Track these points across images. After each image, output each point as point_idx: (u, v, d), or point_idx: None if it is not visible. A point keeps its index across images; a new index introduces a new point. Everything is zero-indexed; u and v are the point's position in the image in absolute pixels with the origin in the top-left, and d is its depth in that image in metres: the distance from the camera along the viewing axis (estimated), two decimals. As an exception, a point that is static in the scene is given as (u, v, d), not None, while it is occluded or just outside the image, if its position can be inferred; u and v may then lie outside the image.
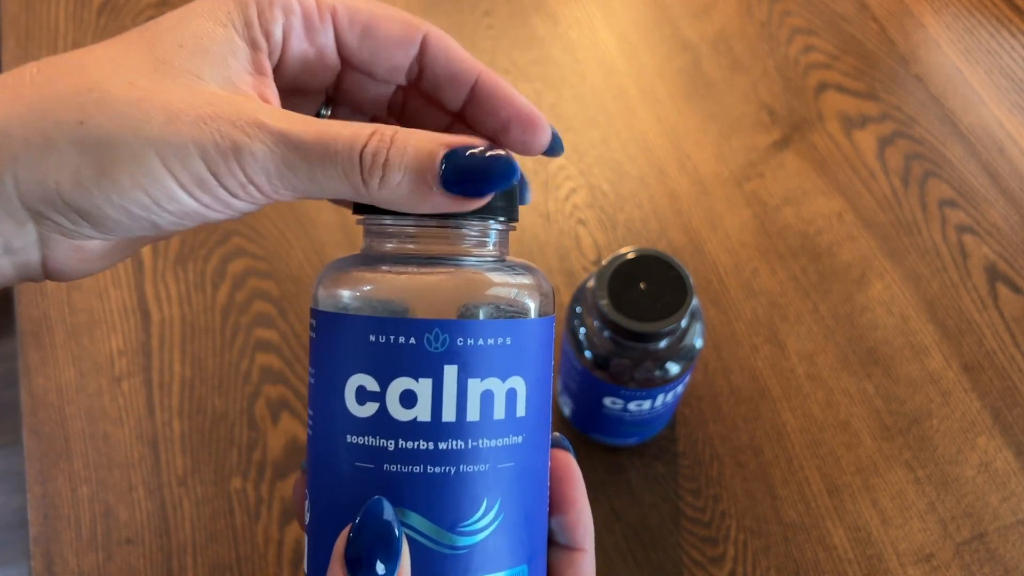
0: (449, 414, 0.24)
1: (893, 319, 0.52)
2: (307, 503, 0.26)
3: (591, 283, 0.41)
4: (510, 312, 0.25)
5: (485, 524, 0.24)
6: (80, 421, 0.49)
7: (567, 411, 0.48)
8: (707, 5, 0.66)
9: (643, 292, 0.39)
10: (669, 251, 0.55)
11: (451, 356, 0.24)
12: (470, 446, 0.24)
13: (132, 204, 0.22)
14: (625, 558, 0.45)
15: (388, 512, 0.23)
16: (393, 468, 0.24)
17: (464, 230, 0.26)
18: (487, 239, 0.26)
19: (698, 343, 0.42)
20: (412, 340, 0.24)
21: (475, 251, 0.26)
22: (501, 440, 0.25)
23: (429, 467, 0.24)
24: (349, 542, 0.22)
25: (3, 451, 1.08)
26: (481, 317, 0.25)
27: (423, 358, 0.24)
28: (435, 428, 0.24)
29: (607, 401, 0.43)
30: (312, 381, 0.26)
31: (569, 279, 0.54)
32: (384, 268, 0.25)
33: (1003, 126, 0.60)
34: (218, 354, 0.51)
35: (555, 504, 0.27)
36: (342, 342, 0.25)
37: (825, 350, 0.51)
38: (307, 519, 0.26)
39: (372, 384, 0.24)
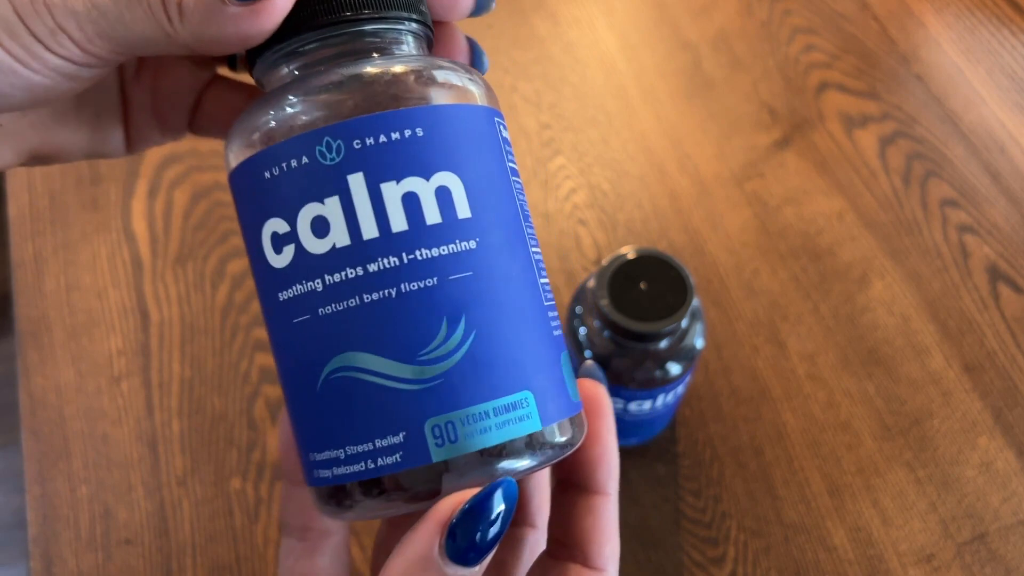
0: (369, 230, 0.21)
1: (894, 319, 0.52)
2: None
3: (591, 283, 0.41)
4: (411, 99, 0.21)
5: (453, 347, 0.21)
6: (79, 421, 0.49)
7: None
8: (707, 4, 0.66)
9: (643, 292, 0.39)
10: (669, 251, 0.54)
11: (352, 163, 0.21)
12: (406, 260, 0.21)
13: None
14: (625, 559, 0.45)
15: (499, 503, 0.20)
16: (328, 310, 0.21)
17: (347, 33, 0.23)
18: (382, 38, 0.23)
19: (699, 343, 0.42)
20: (304, 159, 0.21)
21: (379, 55, 0.23)
22: (444, 248, 0.21)
23: (365, 296, 0.21)
24: (460, 517, 0.20)
25: (2, 451, 1.08)
26: (373, 111, 0.21)
27: (321, 174, 0.21)
28: (358, 250, 0.21)
29: (607, 401, 0.43)
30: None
31: (569, 279, 0.54)
32: (285, 95, 0.22)
33: (1004, 126, 0.59)
34: (217, 354, 0.51)
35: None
36: (246, 195, 0.22)
37: (826, 350, 0.51)
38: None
39: (282, 226, 0.21)
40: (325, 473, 0.22)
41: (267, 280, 0.22)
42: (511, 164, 0.23)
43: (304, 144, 0.21)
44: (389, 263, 0.21)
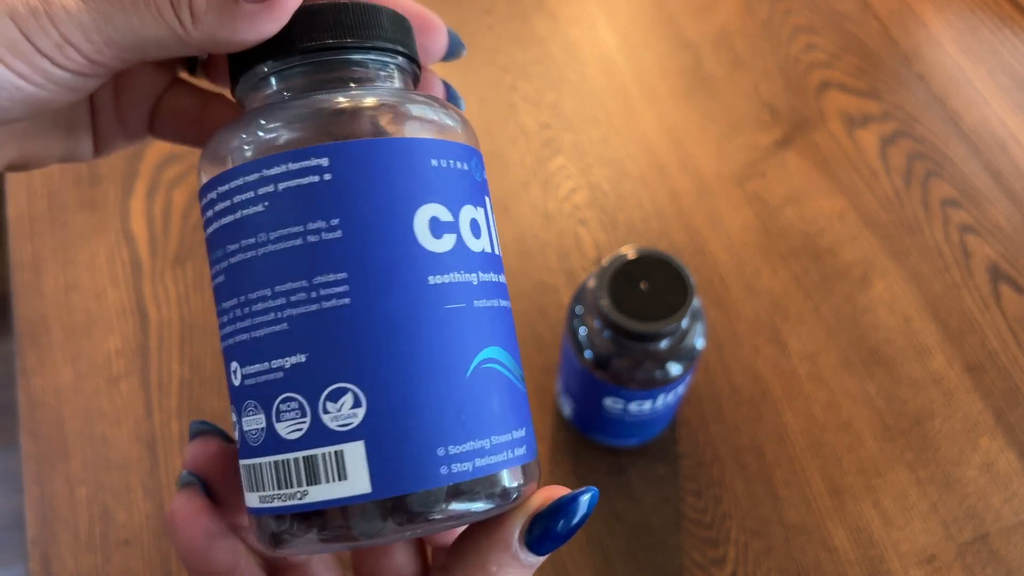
0: (497, 247, 0.24)
1: (895, 319, 0.52)
2: None
3: (591, 283, 0.41)
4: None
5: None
6: (78, 422, 0.49)
7: (567, 411, 0.47)
8: (708, 3, 0.66)
9: (644, 292, 0.39)
10: (670, 251, 0.54)
11: (485, 187, 0.25)
12: (503, 280, 0.24)
13: None
14: (626, 559, 0.45)
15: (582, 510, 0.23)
16: (481, 304, 0.23)
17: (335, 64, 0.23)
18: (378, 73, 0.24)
19: (699, 343, 0.41)
20: (465, 166, 0.24)
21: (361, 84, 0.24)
22: (494, 275, 0.25)
23: (501, 301, 0.24)
24: (548, 511, 0.23)
25: (0, 452, 1.08)
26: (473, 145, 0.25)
27: (474, 185, 0.24)
28: (496, 260, 0.24)
29: (608, 402, 0.43)
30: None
31: (569, 279, 0.54)
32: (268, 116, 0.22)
33: (1005, 125, 0.59)
34: (217, 355, 0.51)
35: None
36: (397, 170, 0.23)
37: (827, 350, 0.51)
38: None
39: (445, 214, 0.23)
40: (462, 467, 0.21)
41: (414, 261, 0.22)
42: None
43: (467, 153, 0.24)
44: (500, 279, 0.24)
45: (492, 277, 0.23)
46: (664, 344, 0.40)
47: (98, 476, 0.47)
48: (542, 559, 0.23)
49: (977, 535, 0.45)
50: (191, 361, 0.51)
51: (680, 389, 0.43)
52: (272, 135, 0.22)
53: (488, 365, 0.22)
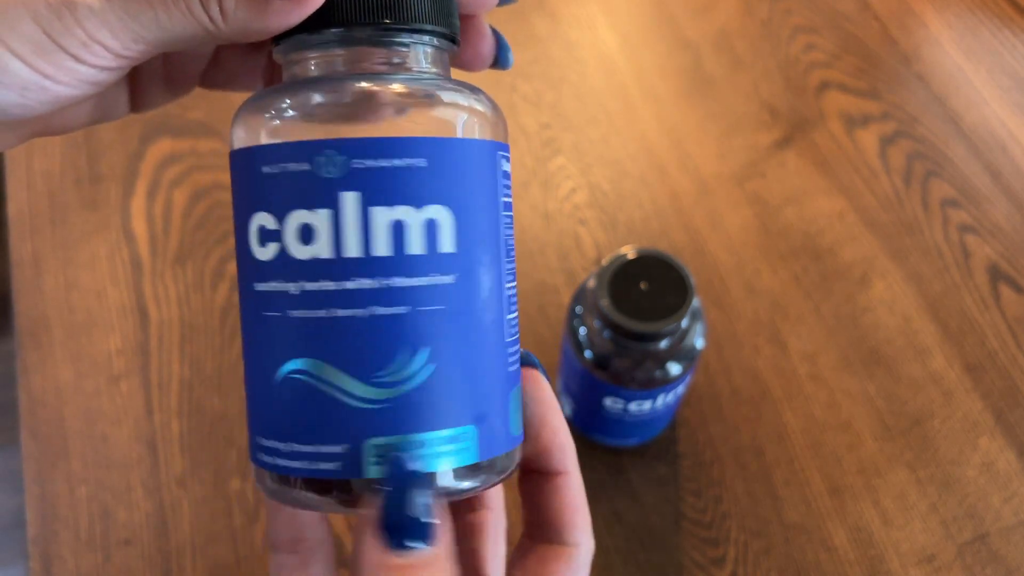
0: (352, 249, 0.21)
1: (895, 319, 0.52)
2: None
3: (591, 283, 0.41)
4: (419, 127, 0.22)
5: (409, 375, 0.22)
6: (78, 421, 0.49)
7: (567, 411, 0.48)
8: (708, 3, 0.66)
9: (644, 292, 0.39)
10: (670, 251, 0.54)
11: (348, 181, 0.21)
12: (381, 285, 0.21)
13: None
14: (626, 559, 0.45)
15: (416, 492, 0.21)
16: (298, 314, 0.22)
17: (382, 42, 0.23)
18: (406, 53, 0.23)
19: (699, 343, 0.41)
20: (304, 165, 0.21)
21: (400, 68, 0.23)
22: (421, 279, 0.22)
23: (336, 310, 0.22)
24: (385, 516, 0.21)
25: (1, 452, 1.08)
26: (380, 133, 0.21)
27: (316, 184, 0.21)
28: (338, 266, 0.21)
29: (608, 401, 0.43)
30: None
31: (569, 279, 0.54)
32: (298, 92, 0.22)
33: (1005, 125, 0.59)
34: (217, 354, 0.51)
35: (528, 428, 0.25)
36: (242, 181, 0.23)
37: (827, 350, 0.51)
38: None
39: (270, 222, 0.22)
40: (267, 459, 0.23)
41: (247, 267, 0.23)
42: (505, 199, 0.24)
43: (305, 151, 0.21)
44: (365, 284, 0.21)
45: (326, 285, 0.22)
46: (664, 344, 0.40)
47: (98, 475, 0.47)
48: (431, 549, 0.21)
49: (977, 535, 0.45)
50: (191, 360, 0.51)
51: (680, 389, 0.43)
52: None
53: (296, 376, 0.22)
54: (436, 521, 0.21)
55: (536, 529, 0.25)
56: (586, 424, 0.46)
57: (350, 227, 0.21)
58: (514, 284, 0.25)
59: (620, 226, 0.56)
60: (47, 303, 0.53)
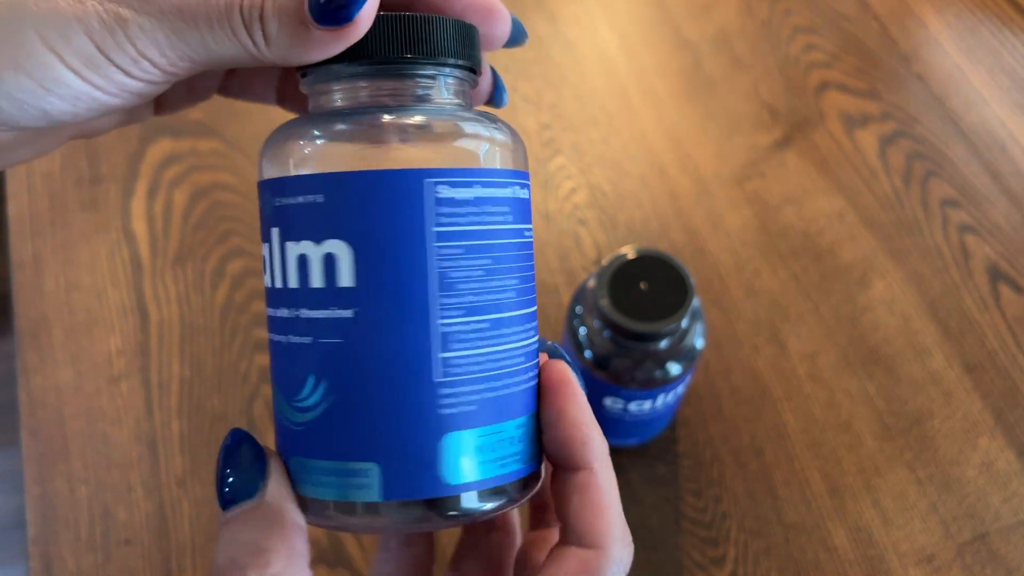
0: (277, 279, 0.23)
1: (894, 319, 0.52)
2: None
3: (591, 283, 0.41)
4: (319, 164, 0.23)
5: (312, 403, 0.23)
6: (78, 421, 0.49)
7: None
8: (708, 4, 0.66)
9: (644, 292, 0.39)
10: (670, 251, 0.54)
11: (275, 217, 0.23)
12: (292, 315, 0.23)
13: (15, 90, 0.21)
14: (625, 559, 0.45)
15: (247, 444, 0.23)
16: (274, 338, 0.24)
17: (399, 74, 0.24)
18: (417, 84, 0.24)
19: (699, 343, 0.41)
20: (263, 203, 0.24)
21: (420, 98, 0.24)
22: (321, 311, 0.22)
23: (273, 335, 0.24)
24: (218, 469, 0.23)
25: (1, 451, 1.08)
26: (292, 172, 0.23)
27: (264, 221, 0.24)
28: (272, 294, 0.23)
29: (608, 401, 0.43)
30: None
31: (569, 279, 0.54)
32: (308, 131, 0.23)
33: (1005, 125, 0.59)
34: (217, 354, 0.51)
35: (546, 419, 0.25)
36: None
37: (826, 350, 0.51)
38: None
39: (265, 251, 0.24)
40: None
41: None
42: (445, 228, 0.22)
43: (262, 191, 0.24)
44: (283, 313, 0.23)
45: (268, 311, 0.24)
46: (664, 344, 0.40)
47: (99, 475, 0.47)
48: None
49: (976, 535, 0.45)
50: (191, 360, 0.51)
51: (680, 389, 0.43)
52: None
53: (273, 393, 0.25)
54: (256, 482, 0.23)
55: (564, 532, 0.24)
56: (586, 424, 0.46)
57: (275, 260, 0.23)
58: (474, 319, 0.23)
59: (620, 226, 0.56)
60: (47, 303, 0.53)
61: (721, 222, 0.56)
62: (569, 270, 0.54)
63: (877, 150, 0.59)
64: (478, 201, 0.23)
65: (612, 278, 0.39)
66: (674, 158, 0.59)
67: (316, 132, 0.23)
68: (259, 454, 0.23)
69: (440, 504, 0.23)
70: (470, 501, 0.23)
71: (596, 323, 0.41)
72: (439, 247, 0.22)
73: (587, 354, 0.41)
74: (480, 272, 0.23)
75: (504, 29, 0.26)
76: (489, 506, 0.24)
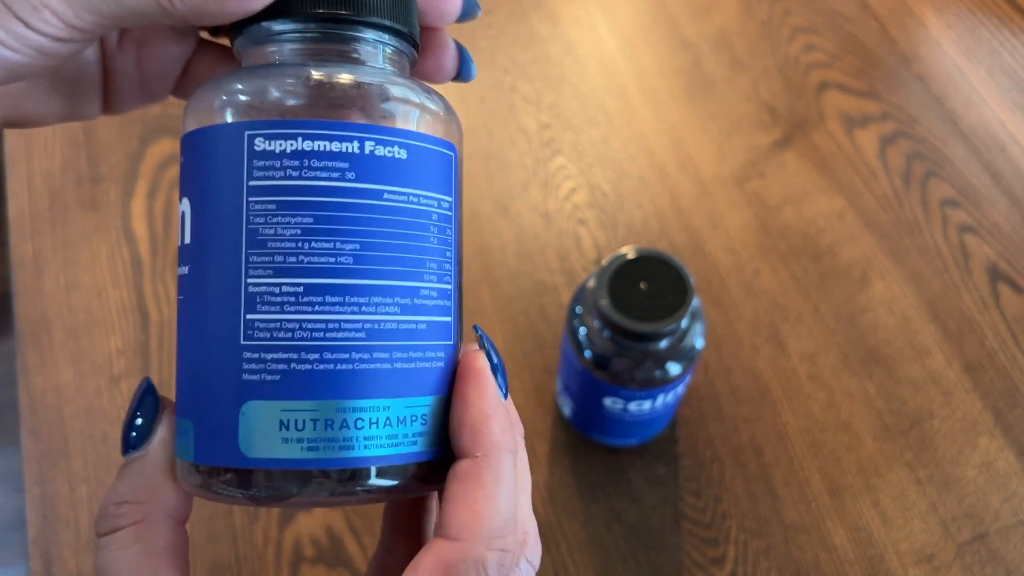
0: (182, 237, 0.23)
1: (894, 319, 0.52)
2: None
3: (591, 283, 0.41)
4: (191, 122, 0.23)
5: (177, 362, 0.24)
6: (79, 421, 0.49)
7: (567, 411, 0.48)
8: (708, 4, 0.66)
9: (643, 292, 0.39)
10: (670, 251, 0.54)
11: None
12: (183, 272, 0.23)
13: None
14: (625, 559, 0.45)
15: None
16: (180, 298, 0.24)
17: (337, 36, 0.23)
18: (349, 45, 0.23)
19: (699, 343, 0.42)
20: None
21: (358, 60, 0.23)
22: (181, 268, 0.23)
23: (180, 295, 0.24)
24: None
25: (1, 451, 1.08)
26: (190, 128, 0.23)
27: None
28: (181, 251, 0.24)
29: (607, 401, 0.43)
30: None
31: (569, 279, 0.54)
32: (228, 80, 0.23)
33: (1004, 125, 0.59)
34: (217, 354, 0.51)
35: (451, 406, 0.23)
36: None
37: (826, 350, 0.51)
38: None
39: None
40: None
41: None
42: (260, 183, 0.21)
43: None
44: (183, 271, 0.23)
45: (182, 270, 0.23)
46: (664, 344, 0.40)
47: (99, 475, 0.47)
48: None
49: (976, 534, 0.45)
50: (192, 361, 0.51)
51: (680, 389, 0.43)
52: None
53: None
54: (150, 441, 0.24)
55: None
56: (586, 424, 0.46)
57: (187, 215, 0.23)
58: (283, 280, 0.21)
59: (620, 226, 0.56)
60: (47, 303, 0.53)
61: (721, 222, 0.56)
62: (569, 270, 0.54)
63: (877, 150, 0.59)
64: (298, 154, 0.21)
65: (612, 278, 0.39)
66: (674, 158, 0.59)
67: (229, 87, 0.22)
68: (157, 407, 0.24)
69: (246, 477, 0.22)
70: (274, 480, 0.21)
71: (596, 323, 0.41)
72: (252, 201, 0.21)
73: (587, 354, 0.41)
74: (295, 231, 0.21)
75: (455, 3, 0.25)
76: (300, 489, 0.22)
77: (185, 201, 0.23)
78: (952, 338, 0.51)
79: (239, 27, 0.23)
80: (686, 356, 0.41)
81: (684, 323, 0.40)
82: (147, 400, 0.24)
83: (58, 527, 0.46)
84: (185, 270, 0.22)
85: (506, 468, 0.22)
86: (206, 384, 0.22)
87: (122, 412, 0.49)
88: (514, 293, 0.53)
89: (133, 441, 0.24)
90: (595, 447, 0.48)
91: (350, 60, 0.23)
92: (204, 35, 0.28)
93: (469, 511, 0.21)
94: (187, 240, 0.22)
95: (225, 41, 0.28)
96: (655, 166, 0.58)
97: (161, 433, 0.24)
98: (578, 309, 0.42)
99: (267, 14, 0.22)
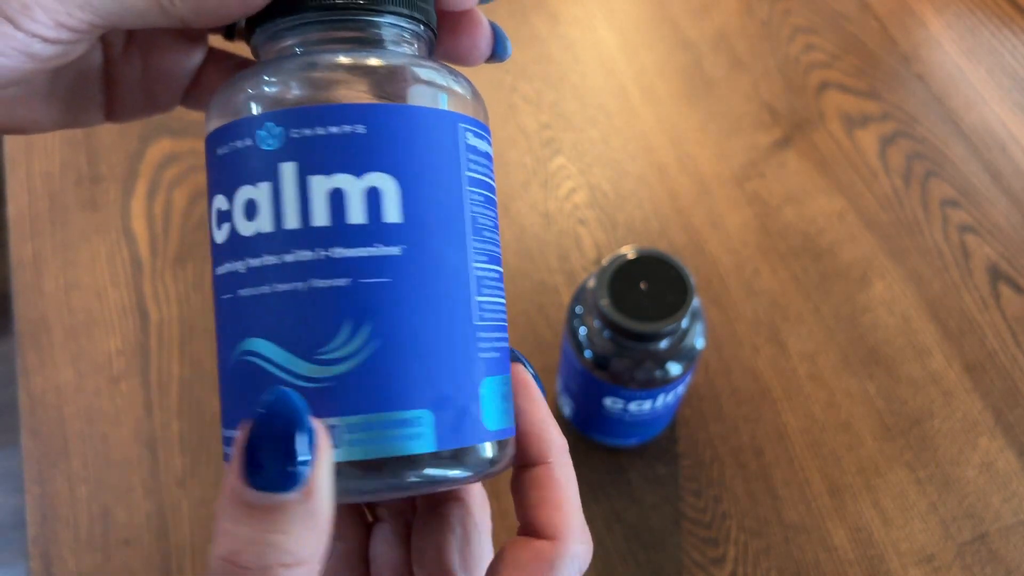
0: (291, 220, 0.20)
1: (894, 319, 0.52)
2: None
3: (591, 283, 0.41)
4: (358, 95, 0.21)
5: (350, 352, 0.20)
6: (78, 421, 0.49)
7: (567, 411, 0.48)
8: (708, 4, 0.66)
9: (644, 292, 0.39)
10: (670, 251, 0.54)
11: (287, 152, 0.21)
12: (321, 256, 0.20)
13: None
14: (625, 559, 0.45)
15: (290, 406, 0.19)
16: (246, 293, 0.21)
17: (348, 21, 0.22)
18: (379, 31, 0.23)
19: (699, 343, 0.41)
20: (248, 141, 0.21)
21: (381, 46, 0.23)
22: (363, 250, 0.20)
23: (277, 285, 0.21)
24: (248, 445, 0.19)
25: (1, 452, 1.08)
26: (320, 101, 0.21)
27: (259, 158, 0.21)
28: (278, 238, 0.21)
29: (607, 401, 0.43)
30: None
31: (569, 279, 0.54)
32: (245, 78, 0.22)
33: (1005, 125, 0.59)
34: (217, 354, 0.51)
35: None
36: (208, 167, 0.22)
37: (826, 350, 0.51)
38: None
39: (224, 203, 0.21)
40: (228, 451, 0.22)
41: (212, 253, 0.23)
42: (473, 175, 0.22)
43: (249, 127, 0.21)
44: (304, 256, 0.21)
45: (268, 260, 0.21)
46: (664, 344, 0.40)
47: (99, 475, 0.47)
48: (294, 494, 0.18)
49: (976, 535, 0.45)
50: (191, 361, 0.51)
51: (680, 389, 0.43)
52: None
53: (245, 358, 0.21)
54: (304, 470, 0.18)
55: (523, 526, 0.24)
56: (586, 424, 0.46)
57: (289, 198, 0.21)
58: (491, 267, 0.23)
59: (620, 226, 0.56)
60: (47, 304, 0.53)
61: (721, 222, 0.56)
62: (569, 270, 0.54)
63: (877, 150, 0.59)
64: (487, 155, 0.23)
65: (612, 278, 0.39)
66: (674, 158, 0.59)
67: (307, 63, 0.22)
68: (310, 431, 0.19)
69: (470, 453, 0.22)
70: (492, 451, 0.22)
71: (596, 323, 0.41)
72: (470, 191, 0.22)
73: (587, 354, 0.41)
74: (491, 223, 0.23)
75: (484, 41, 0.25)
76: (500, 459, 0.23)
77: (382, 176, 0.21)
78: (952, 338, 0.51)
79: (253, 24, 0.23)
80: (686, 356, 0.41)
81: (684, 323, 0.40)
82: (294, 420, 0.19)
83: (58, 527, 0.46)
84: (395, 250, 0.21)
85: (571, 467, 0.24)
86: (447, 367, 0.21)
87: (122, 412, 0.49)
88: (514, 293, 0.53)
89: (279, 476, 0.18)
90: (595, 447, 0.48)
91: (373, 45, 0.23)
92: (214, 41, 0.27)
93: (560, 513, 0.23)
94: (392, 218, 0.21)
95: (238, 47, 0.27)
96: (655, 166, 0.58)
97: (325, 467, 0.19)
98: (578, 309, 0.42)
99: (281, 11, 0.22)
